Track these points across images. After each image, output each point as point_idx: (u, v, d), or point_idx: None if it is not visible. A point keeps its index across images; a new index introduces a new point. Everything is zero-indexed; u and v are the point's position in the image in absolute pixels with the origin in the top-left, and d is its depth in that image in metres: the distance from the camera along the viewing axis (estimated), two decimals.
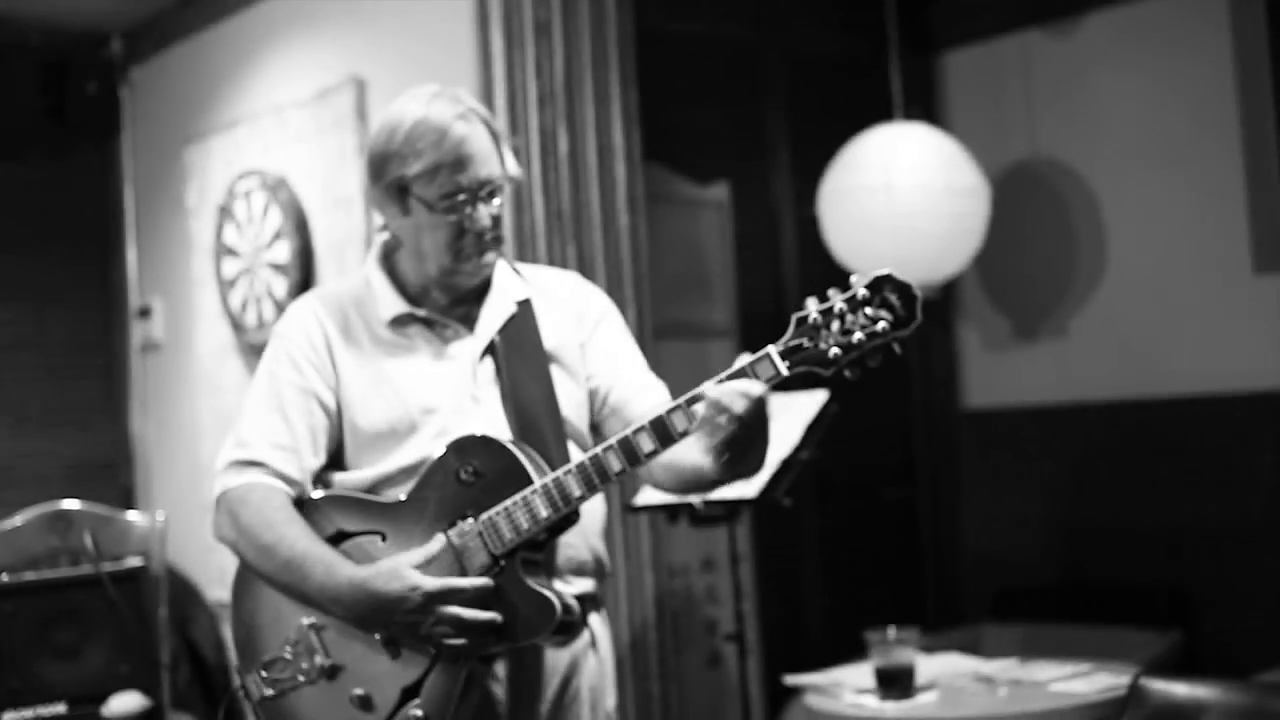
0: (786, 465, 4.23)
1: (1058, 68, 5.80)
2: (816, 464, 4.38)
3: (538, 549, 2.60)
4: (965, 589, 6.06)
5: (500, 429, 2.68)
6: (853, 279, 2.39)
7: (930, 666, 3.96)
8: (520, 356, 2.75)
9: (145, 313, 6.12)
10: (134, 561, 4.07)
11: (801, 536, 5.72)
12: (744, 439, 2.41)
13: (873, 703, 3.80)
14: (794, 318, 2.38)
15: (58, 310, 6.20)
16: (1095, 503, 5.60)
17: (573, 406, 2.77)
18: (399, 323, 2.77)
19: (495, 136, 2.71)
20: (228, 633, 2.79)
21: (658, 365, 4.68)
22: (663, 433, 2.47)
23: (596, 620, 2.82)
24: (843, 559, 5.84)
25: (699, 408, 2.43)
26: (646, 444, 2.48)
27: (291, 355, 2.79)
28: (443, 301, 2.78)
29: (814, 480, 5.46)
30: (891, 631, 3.78)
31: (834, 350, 2.35)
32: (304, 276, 5.13)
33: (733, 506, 4.32)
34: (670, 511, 4.43)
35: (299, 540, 2.65)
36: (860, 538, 5.94)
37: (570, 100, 4.56)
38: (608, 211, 4.62)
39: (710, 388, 2.42)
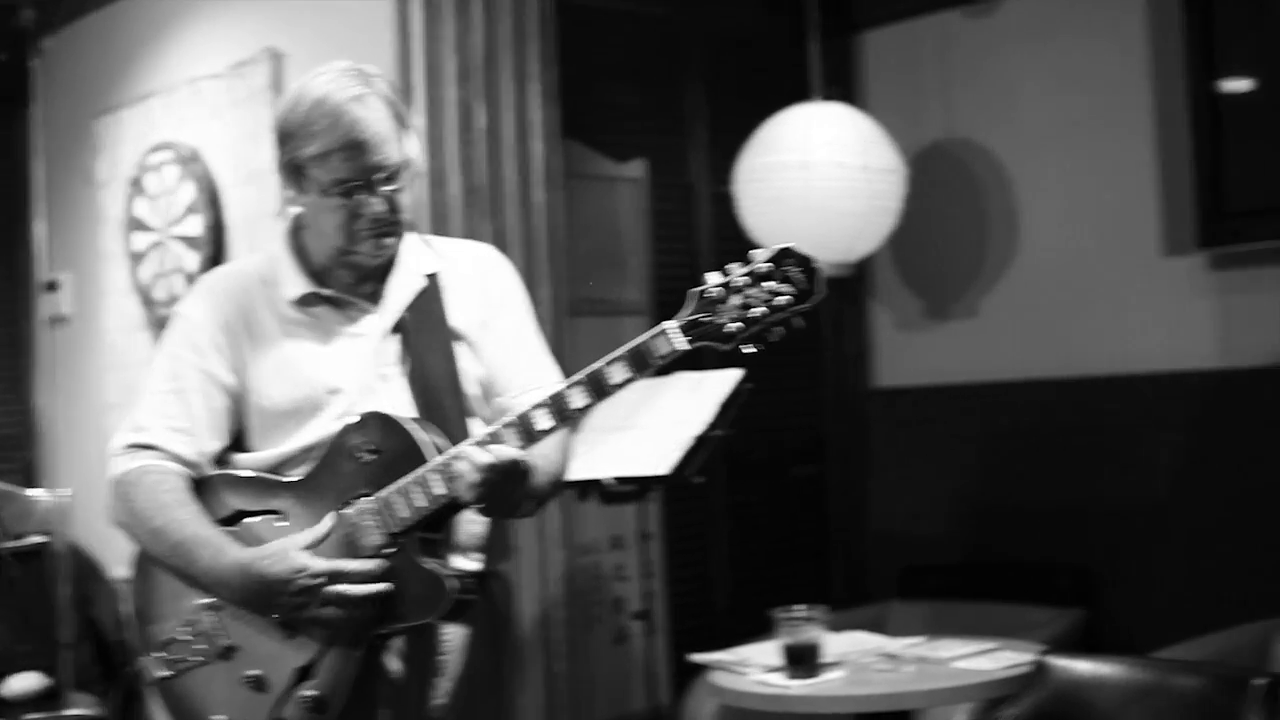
0: (699, 443, 4.24)
1: (975, 49, 5.84)
2: (727, 442, 4.38)
3: (436, 528, 2.59)
4: (872, 567, 6.09)
5: (405, 407, 2.66)
6: (753, 253, 2.37)
7: (837, 644, 3.98)
8: (426, 333, 2.73)
9: (53, 286, 6.04)
10: (37, 539, 4.02)
11: (711, 514, 5.73)
12: (490, 499, 2.47)
13: (779, 680, 3.80)
14: (691, 292, 2.37)
15: None
16: (1002, 482, 5.66)
17: (477, 384, 2.76)
18: (304, 301, 2.74)
19: (398, 119, 2.67)
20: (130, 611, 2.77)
21: (573, 342, 4.73)
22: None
23: (499, 597, 2.82)
24: (751, 537, 5.86)
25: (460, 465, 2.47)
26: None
27: (192, 336, 2.77)
28: (348, 279, 2.75)
29: (724, 458, 5.47)
30: (799, 609, 3.79)
31: (733, 325, 2.33)
32: (216, 251, 5.09)
33: (644, 484, 4.32)
34: (580, 489, 4.43)
35: (188, 523, 2.63)
36: (769, 515, 5.95)
37: (489, 76, 4.55)
38: (525, 188, 4.61)
39: (464, 450, 2.46)
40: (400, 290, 2.75)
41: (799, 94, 5.35)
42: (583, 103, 5.15)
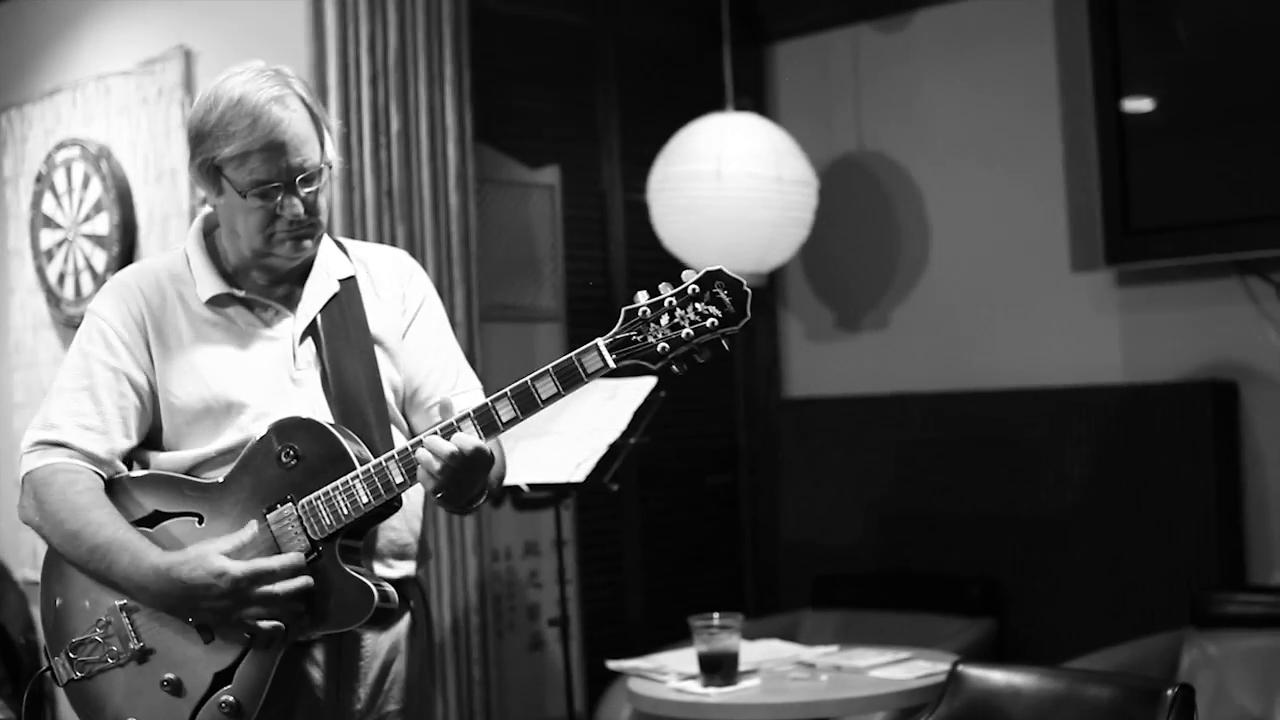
0: (614, 450, 4.25)
1: (886, 62, 5.88)
2: (641, 449, 4.40)
3: (357, 536, 2.58)
4: (784, 575, 6.10)
5: (320, 412, 2.64)
6: (685, 274, 2.41)
7: (752, 653, 3.99)
8: (343, 338, 2.70)
9: None
10: None
11: (625, 521, 5.73)
12: (452, 487, 2.48)
13: (695, 688, 3.82)
14: (624, 310, 2.40)
15: None
16: (912, 492, 5.69)
17: (390, 393, 2.74)
18: (217, 302, 2.71)
19: (316, 120, 2.64)
20: (37, 613, 2.72)
21: (485, 348, 4.72)
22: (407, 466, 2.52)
23: (417, 604, 2.80)
24: (665, 544, 5.87)
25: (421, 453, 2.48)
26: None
27: (104, 334, 2.72)
28: (262, 281, 2.72)
29: (638, 465, 5.47)
30: (715, 617, 3.80)
31: (662, 345, 2.38)
32: (125, 250, 5.01)
33: (559, 490, 4.32)
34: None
35: (104, 526, 2.60)
36: (683, 523, 5.97)
37: (403, 78, 4.53)
38: (438, 192, 4.59)
39: (426, 439, 2.47)
40: (315, 293, 2.72)
41: (712, 103, 5.36)
42: (496, 108, 5.14)
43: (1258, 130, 4.82)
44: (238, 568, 2.49)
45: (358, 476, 2.51)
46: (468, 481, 2.50)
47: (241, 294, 2.71)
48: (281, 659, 2.56)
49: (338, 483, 2.52)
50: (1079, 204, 5.31)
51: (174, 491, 2.66)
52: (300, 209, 2.60)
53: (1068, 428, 5.30)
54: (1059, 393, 5.34)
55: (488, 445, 2.48)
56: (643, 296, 2.41)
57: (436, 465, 2.44)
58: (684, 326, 2.37)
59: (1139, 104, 5.07)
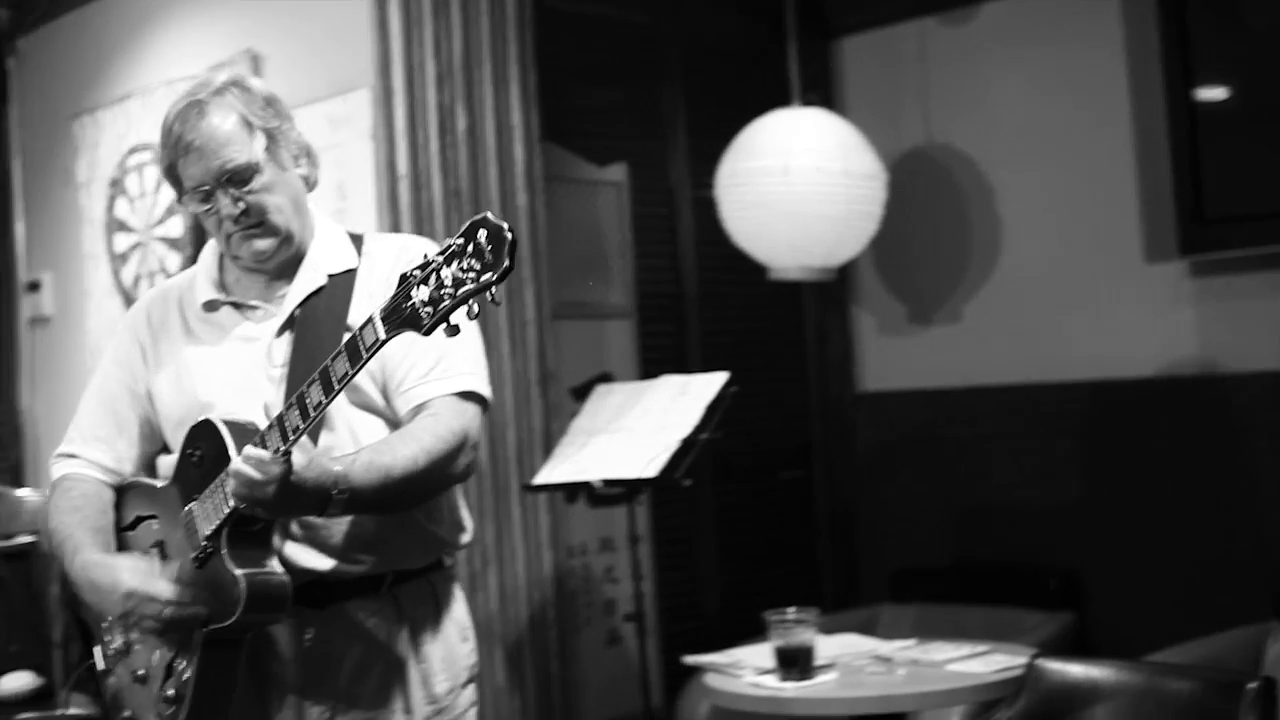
0: (686, 446, 4.24)
1: (953, 55, 5.84)
2: (715, 445, 4.39)
3: (254, 520, 2.53)
4: (862, 570, 6.10)
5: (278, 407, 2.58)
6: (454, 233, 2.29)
7: (829, 647, 3.97)
8: (315, 332, 2.69)
9: (35, 287, 5.99)
10: (25, 539, 4.01)
11: (699, 517, 5.72)
12: (254, 503, 2.41)
13: (772, 683, 3.80)
14: (399, 276, 2.27)
15: None
16: (989, 485, 5.66)
17: (366, 380, 2.68)
18: (210, 307, 2.78)
19: (249, 122, 2.67)
20: None
21: (558, 346, 4.72)
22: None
23: (414, 598, 2.77)
24: (740, 539, 5.85)
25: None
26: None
27: (117, 350, 2.88)
28: (258, 283, 2.77)
29: (712, 461, 5.47)
30: (791, 612, 3.78)
31: (426, 309, 2.21)
32: (197, 252, 4.99)
33: (631, 486, 4.32)
34: (568, 491, 4.43)
35: (65, 526, 2.76)
36: (758, 518, 5.95)
37: (469, 79, 4.54)
38: (506, 191, 4.60)
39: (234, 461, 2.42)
40: (296, 290, 2.74)
41: (778, 99, 5.34)
42: (562, 107, 5.14)
43: None
44: (128, 583, 2.57)
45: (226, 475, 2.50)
46: (269, 494, 2.39)
47: (229, 298, 2.76)
48: (216, 655, 2.59)
49: (217, 480, 2.52)
50: (1151, 194, 5.26)
51: (144, 496, 2.79)
52: (233, 208, 2.65)
53: (1144, 419, 5.25)
54: (1135, 384, 5.29)
55: (269, 455, 2.37)
56: (416, 260, 2.25)
57: (230, 485, 2.41)
58: (445, 285, 2.18)
59: (1210, 92, 5.01)
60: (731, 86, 5.91)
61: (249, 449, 2.40)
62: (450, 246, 2.19)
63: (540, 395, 4.62)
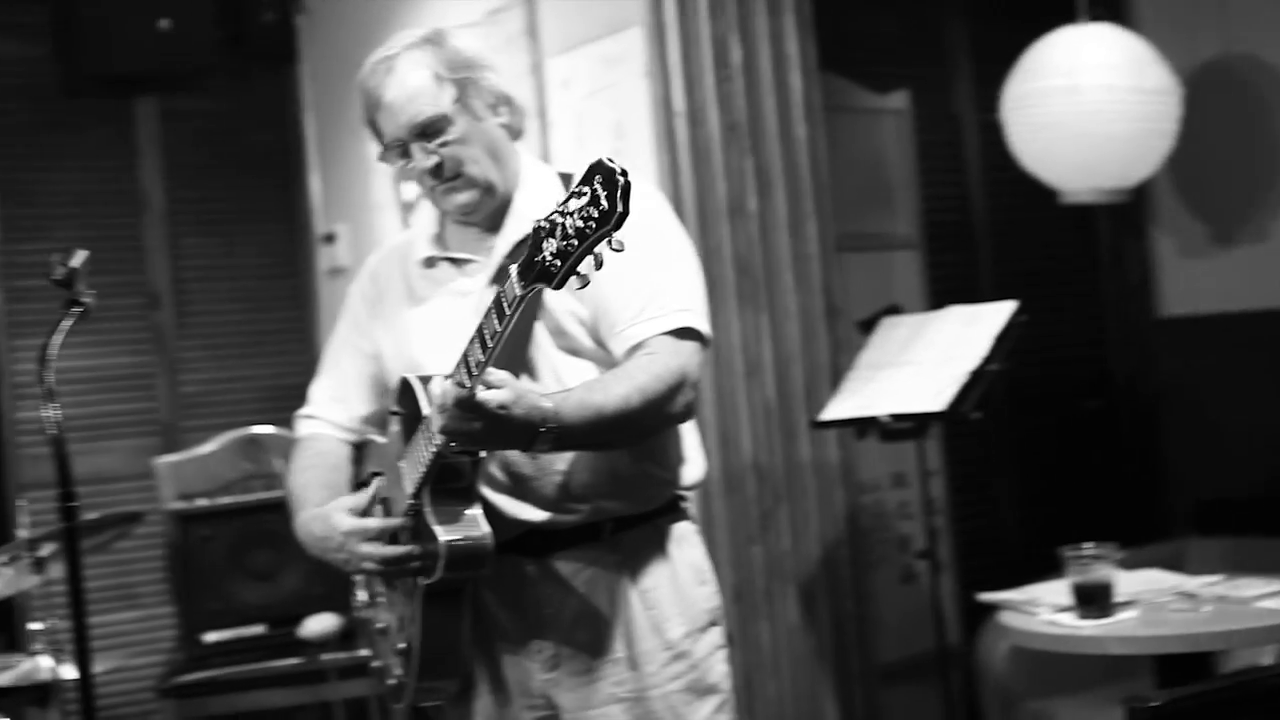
0: (975, 378, 4.15)
1: None
2: (1007, 376, 4.29)
3: (457, 476, 2.54)
4: (1166, 502, 5.91)
5: None
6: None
7: (1130, 583, 3.83)
8: None
9: (330, 238, 6.14)
10: None
11: (994, 450, 5.63)
12: (458, 438, 2.40)
13: (1070, 621, 3.69)
14: (533, 227, 2.17)
15: (246, 238, 6.25)
16: None
17: (573, 324, 2.66)
18: (429, 264, 2.80)
19: (439, 75, 2.68)
20: None
21: (845, 278, 4.66)
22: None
23: (653, 537, 2.75)
24: (1037, 473, 5.74)
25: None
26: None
27: (348, 311, 2.99)
28: (471, 236, 2.77)
29: (1006, 393, 5.35)
30: (1088, 547, 3.67)
31: (554, 262, 2.11)
32: None
33: (921, 421, 4.25)
34: (858, 426, 4.37)
35: (295, 486, 2.87)
36: (1055, 451, 5.83)
37: (743, 10, 4.49)
38: (784, 123, 4.54)
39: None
40: (504, 241, 2.72)
41: (1064, 16, 5.16)
42: (840, 34, 5.04)
43: None
44: (345, 524, 2.64)
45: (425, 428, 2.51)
46: (471, 429, 2.36)
47: (446, 253, 2.78)
48: (437, 608, 2.61)
49: (417, 432, 2.54)
50: None
51: (376, 453, 2.87)
52: (425, 162, 2.66)
53: None
54: None
55: (492, 395, 2.32)
56: (548, 208, 2.15)
57: (438, 422, 2.39)
58: (570, 236, 2.08)
59: None
60: (1014, 5, 5.73)
61: (436, 380, 2.44)
62: (569, 196, 2.10)
63: (826, 329, 4.57)
